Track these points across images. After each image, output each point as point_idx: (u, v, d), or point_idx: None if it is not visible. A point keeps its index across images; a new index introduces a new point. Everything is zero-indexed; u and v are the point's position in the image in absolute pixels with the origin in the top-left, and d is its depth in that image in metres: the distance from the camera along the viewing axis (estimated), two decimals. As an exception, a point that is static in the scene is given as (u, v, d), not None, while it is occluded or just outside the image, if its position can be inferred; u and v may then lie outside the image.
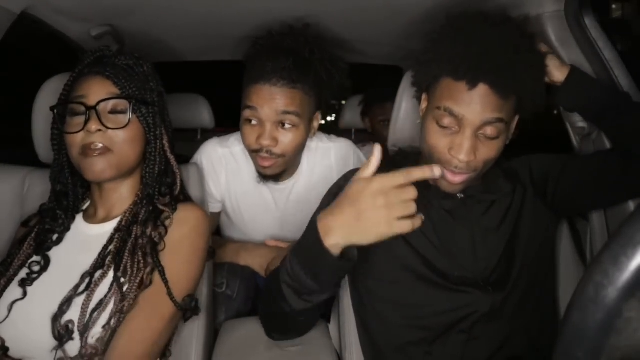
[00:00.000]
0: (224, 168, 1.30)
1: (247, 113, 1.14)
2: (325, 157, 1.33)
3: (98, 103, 0.87)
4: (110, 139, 0.88)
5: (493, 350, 0.91)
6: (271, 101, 1.11)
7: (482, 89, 0.85)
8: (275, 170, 1.20)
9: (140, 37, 1.48)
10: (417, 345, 0.93)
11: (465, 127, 0.86)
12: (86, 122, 0.86)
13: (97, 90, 0.89)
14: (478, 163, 0.89)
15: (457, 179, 0.91)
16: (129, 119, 0.89)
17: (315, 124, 1.24)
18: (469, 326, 0.91)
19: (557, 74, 0.99)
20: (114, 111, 0.89)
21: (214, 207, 1.34)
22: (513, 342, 0.92)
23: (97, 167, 0.88)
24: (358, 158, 1.38)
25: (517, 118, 0.95)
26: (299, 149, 1.20)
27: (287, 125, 1.14)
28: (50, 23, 1.33)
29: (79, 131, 0.87)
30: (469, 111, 0.85)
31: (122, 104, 0.89)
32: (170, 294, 0.87)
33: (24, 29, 1.20)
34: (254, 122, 1.14)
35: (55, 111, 0.92)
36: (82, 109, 0.87)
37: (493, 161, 0.92)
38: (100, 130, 0.87)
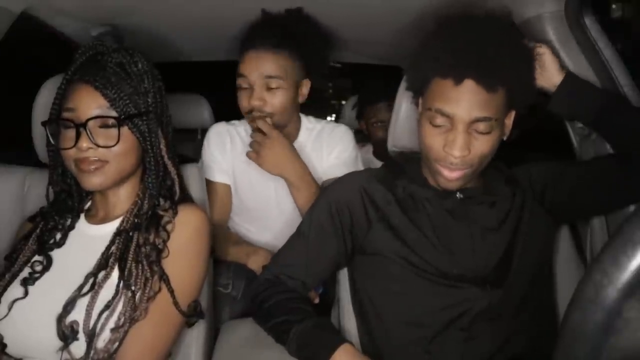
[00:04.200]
0: (229, 139, 1.40)
1: (239, 81, 1.28)
2: (319, 136, 1.40)
3: (86, 121, 0.86)
4: (103, 154, 0.87)
5: (493, 350, 0.91)
6: (257, 65, 1.24)
7: (468, 84, 0.86)
8: None
9: (141, 37, 1.48)
10: (416, 344, 0.93)
11: (457, 124, 0.88)
12: (77, 138, 0.86)
13: (86, 104, 0.87)
14: (473, 158, 0.90)
15: (454, 175, 0.91)
16: (119, 135, 0.87)
17: (304, 91, 1.35)
18: (467, 324, 0.91)
19: (557, 76, 0.99)
20: (104, 125, 0.88)
21: (224, 179, 1.39)
22: (513, 342, 0.92)
23: (93, 182, 0.88)
24: (350, 137, 1.41)
25: (512, 113, 0.95)
26: (287, 110, 1.30)
27: (273, 87, 1.25)
28: (50, 23, 1.33)
29: (71, 147, 0.87)
30: (458, 109, 0.87)
31: (111, 119, 0.88)
32: (176, 303, 0.87)
33: (24, 29, 1.20)
34: (245, 87, 1.27)
35: (47, 127, 0.91)
36: (72, 125, 0.86)
37: (489, 156, 0.92)
38: (91, 147, 0.86)
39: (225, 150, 1.39)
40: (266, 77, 1.24)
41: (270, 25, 1.27)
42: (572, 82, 0.99)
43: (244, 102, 1.28)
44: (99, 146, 0.86)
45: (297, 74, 1.30)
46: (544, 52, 0.99)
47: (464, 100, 0.87)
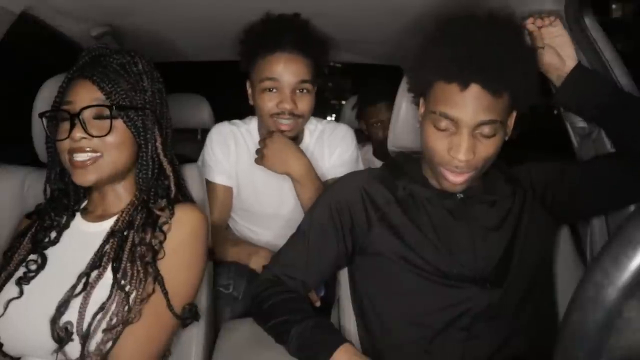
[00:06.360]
0: (232, 140, 1.38)
1: (267, 84, 1.24)
2: (320, 137, 1.42)
3: (80, 111, 0.87)
4: (96, 145, 0.88)
5: (493, 349, 0.91)
6: (290, 70, 1.23)
7: (474, 89, 0.85)
8: (292, 133, 1.30)
9: (140, 37, 1.48)
10: (416, 344, 0.93)
11: (462, 127, 0.87)
12: (71, 129, 0.86)
13: (82, 97, 0.88)
14: (478, 161, 0.89)
15: (459, 179, 0.91)
16: (111, 125, 0.88)
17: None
18: (467, 324, 0.91)
19: (570, 62, 0.98)
20: (98, 117, 0.88)
21: (225, 181, 1.38)
22: (513, 341, 0.92)
23: (87, 178, 0.88)
24: (352, 137, 1.43)
25: (514, 114, 0.95)
26: (311, 113, 1.32)
27: (303, 91, 1.26)
28: (50, 23, 1.34)
29: (65, 138, 0.87)
30: (463, 113, 0.86)
31: (106, 110, 0.89)
32: (170, 306, 0.86)
33: (24, 29, 1.20)
34: (271, 89, 1.25)
35: (44, 118, 0.92)
36: (67, 115, 0.87)
37: (493, 158, 0.92)
38: (84, 137, 0.87)
39: (229, 152, 1.37)
40: (301, 82, 1.24)
41: (291, 26, 1.26)
42: (583, 71, 0.98)
43: (270, 105, 1.25)
44: (92, 136, 0.87)
45: (316, 78, 1.31)
46: (562, 34, 0.98)
47: (470, 105, 0.86)
